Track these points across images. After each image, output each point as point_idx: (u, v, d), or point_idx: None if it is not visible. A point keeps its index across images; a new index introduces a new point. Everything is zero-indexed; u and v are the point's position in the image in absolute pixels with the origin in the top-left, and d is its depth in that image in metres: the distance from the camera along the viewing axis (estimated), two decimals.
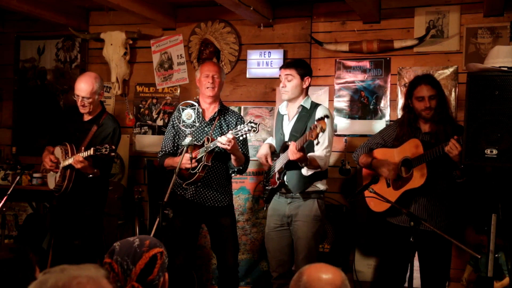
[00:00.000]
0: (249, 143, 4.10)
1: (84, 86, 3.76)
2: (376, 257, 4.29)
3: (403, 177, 3.34)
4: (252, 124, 3.25)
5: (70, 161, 3.66)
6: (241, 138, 3.39)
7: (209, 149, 3.43)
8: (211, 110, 3.72)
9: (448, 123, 3.32)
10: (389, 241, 3.51)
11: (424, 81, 3.35)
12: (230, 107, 4.02)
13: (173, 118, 3.81)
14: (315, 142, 3.03)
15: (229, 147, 3.32)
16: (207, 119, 3.69)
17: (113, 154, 3.55)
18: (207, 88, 3.64)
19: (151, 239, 1.80)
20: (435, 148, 3.15)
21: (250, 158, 3.79)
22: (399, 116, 4.18)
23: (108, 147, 3.45)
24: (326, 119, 2.96)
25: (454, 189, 3.33)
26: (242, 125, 3.35)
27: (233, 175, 3.83)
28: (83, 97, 3.77)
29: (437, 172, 3.24)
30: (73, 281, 1.10)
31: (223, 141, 3.30)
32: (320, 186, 3.53)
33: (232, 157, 3.52)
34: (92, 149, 3.50)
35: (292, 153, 3.20)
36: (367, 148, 3.62)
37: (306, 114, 3.50)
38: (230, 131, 3.37)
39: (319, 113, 3.41)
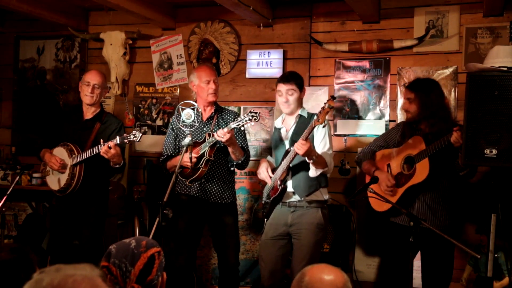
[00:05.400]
0: (248, 143, 4.09)
1: (97, 75, 3.87)
2: (376, 257, 4.29)
3: (406, 174, 3.34)
4: (253, 113, 3.28)
5: (96, 151, 3.55)
6: (242, 128, 3.44)
7: (211, 143, 3.46)
8: (208, 110, 3.76)
9: (449, 123, 3.31)
10: (393, 241, 3.50)
11: (408, 85, 3.53)
12: (230, 107, 4.02)
13: (172, 121, 3.84)
14: (322, 125, 3.11)
15: (223, 140, 3.35)
16: (204, 119, 3.72)
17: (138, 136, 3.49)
18: (210, 94, 3.67)
19: (147, 239, 1.79)
20: (439, 141, 3.14)
21: (250, 158, 3.79)
22: (399, 116, 4.21)
23: (136, 133, 3.47)
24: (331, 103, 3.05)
25: (456, 187, 3.33)
26: (242, 115, 3.38)
27: (233, 171, 3.82)
28: (94, 84, 3.81)
29: (440, 168, 3.24)
30: (68, 279, 1.11)
31: (220, 134, 3.35)
32: (323, 195, 3.50)
33: (229, 149, 3.54)
34: (118, 137, 3.49)
35: (300, 145, 3.18)
36: (370, 152, 3.63)
37: (304, 121, 3.50)
38: (231, 123, 3.39)
39: None
